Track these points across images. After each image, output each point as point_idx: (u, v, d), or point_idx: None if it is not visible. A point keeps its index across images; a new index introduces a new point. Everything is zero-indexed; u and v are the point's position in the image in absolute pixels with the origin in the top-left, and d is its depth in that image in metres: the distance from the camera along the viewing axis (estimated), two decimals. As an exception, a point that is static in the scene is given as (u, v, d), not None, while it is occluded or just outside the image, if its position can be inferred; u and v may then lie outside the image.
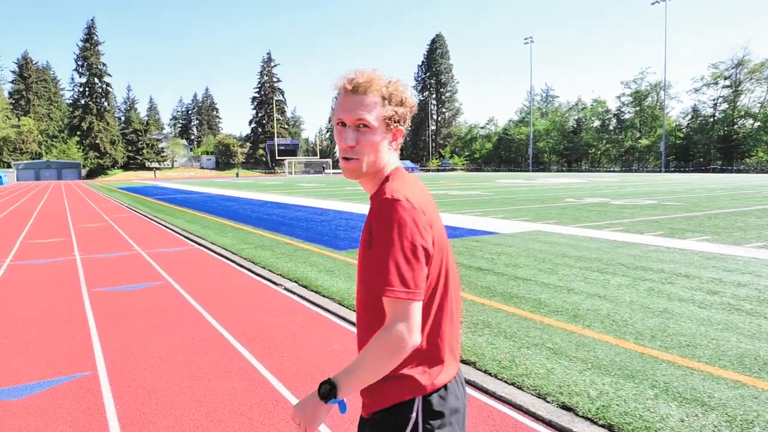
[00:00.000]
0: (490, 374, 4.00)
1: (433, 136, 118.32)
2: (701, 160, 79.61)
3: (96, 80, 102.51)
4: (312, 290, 6.85)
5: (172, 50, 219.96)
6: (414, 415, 1.45)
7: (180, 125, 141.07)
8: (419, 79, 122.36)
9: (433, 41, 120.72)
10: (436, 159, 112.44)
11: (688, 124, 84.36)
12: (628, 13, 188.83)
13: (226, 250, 10.34)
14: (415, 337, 1.35)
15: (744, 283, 6.59)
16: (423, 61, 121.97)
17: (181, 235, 13.08)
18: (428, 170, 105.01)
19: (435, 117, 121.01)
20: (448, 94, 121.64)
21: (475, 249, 9.48)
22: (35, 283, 7.83)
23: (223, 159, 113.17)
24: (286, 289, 7.10)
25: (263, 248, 10.23)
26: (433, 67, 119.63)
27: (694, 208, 16.58)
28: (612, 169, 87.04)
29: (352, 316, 5.61)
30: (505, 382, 3.86)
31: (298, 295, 6.69)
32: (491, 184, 39.33)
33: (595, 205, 18.19)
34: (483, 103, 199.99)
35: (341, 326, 5.37)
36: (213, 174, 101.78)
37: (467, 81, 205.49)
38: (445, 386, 1.49)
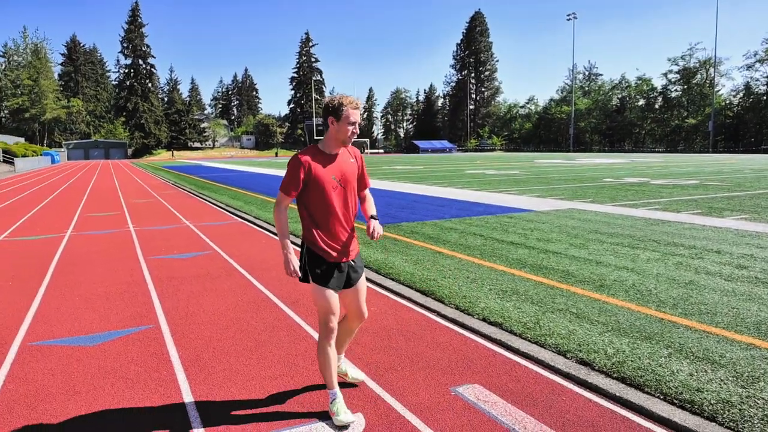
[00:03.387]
0: (515, 334, 4.31)
1: (472, 116, 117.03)
2: (752, 140, 76.52)
3: (140, 62, 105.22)
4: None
5: (213, 31, 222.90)
6: None
7: (221, 106, 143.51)
8: (458, 57, 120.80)
9: (473, 19, 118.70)
10: (475, 139, 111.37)
11: (739, 102, 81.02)
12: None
13: (269, 223, 10.85)
14: None
15: (775, 259, 6.66)
16: (462, 40, 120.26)
17: (225, 210, 13.70)
18: (466, 150, 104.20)
19: (473, 96, 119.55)
20: (487, 73, 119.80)
21: (509, 225, 9.71)
22: (96, 251, 8.49)
23: (263, 139, 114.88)
24: (325, 259, 7.51)
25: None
26: (472, 46, 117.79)
27: (737, 189, 16.27)
28: (657, 150, 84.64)
29: (387, 282, 5.98)
30: (529, 340, 4.16)
31: (337, 265, 7.09)
32: (529, 164, 39.01)
33: (634, 185, 18.02)
34: (523, 82, 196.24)
35: (376, 291, 5.75)
36: (253, 154, 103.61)
37: (507, 58, 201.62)
38: None
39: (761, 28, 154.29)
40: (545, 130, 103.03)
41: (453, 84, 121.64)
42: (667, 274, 5.98)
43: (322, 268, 3.01)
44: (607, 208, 12.00)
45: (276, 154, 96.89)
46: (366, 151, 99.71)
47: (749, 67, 78.96)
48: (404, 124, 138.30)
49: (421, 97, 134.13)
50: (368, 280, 6.23)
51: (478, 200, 14.08)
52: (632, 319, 4.49)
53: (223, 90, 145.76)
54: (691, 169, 27.88)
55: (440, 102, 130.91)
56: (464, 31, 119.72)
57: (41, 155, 63.61)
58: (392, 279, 6.18)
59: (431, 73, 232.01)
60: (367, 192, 3.36)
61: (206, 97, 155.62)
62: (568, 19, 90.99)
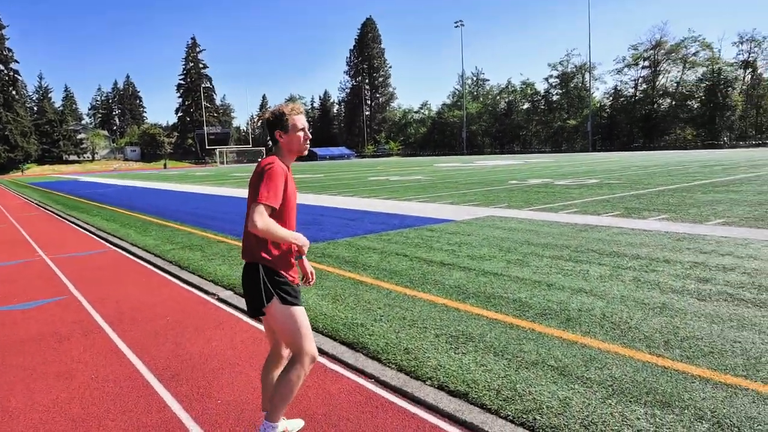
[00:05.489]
0: (489, 410, 3.11)
1: (368, 122, 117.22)
2: (625, 139, 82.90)
3: (1, 67, 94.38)
4: (251, 300, 5.76)
5: (87, 35, 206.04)
6: None
7: (100, 116, 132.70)
8: (351, 63, 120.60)
9: (364, 25, 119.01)
10: (372, 144, 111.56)
11: (612, 104, 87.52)
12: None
13: (149, 252, 9.01)
14: None
15: (729, 266, 6.07)
16: (355, 46, 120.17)
17: (96, 235, 11.52)
18: (364, 156, 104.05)
19: (369, 102, 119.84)
20: (381, 79, 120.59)
21: (432, 239, 8.64)
22: None
23: (149, 150, 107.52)
24: (219, 299, 5.98)
25: (192, 248, 8.97)
26: (365, 52, 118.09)
27: (638, 186, 16.52)
28: (543, 150, 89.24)
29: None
30: (512, 422, 2.98)
31: (236, 307, 5.59)
32: (430, 168, 38.90)
33: (541, 187, 17.85)
34: (416, 87, 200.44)
35: (290, 348, 4.35)
36: (138, 166, 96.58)
37: (400, 65, 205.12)
38: None
39: (629, 36, 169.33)
40: (439, 134, 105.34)
41: (348, 90, 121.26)
42: (632, 296, 5.11)
43: (292, 288, 2.75)
44: (527, 213, 11.35)
45: (165, 165, 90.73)
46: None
47: (619, 71, 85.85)
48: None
49: (317, 104, 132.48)
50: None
51: (390, 210, 12.97)
52: (630, 372, 3.47)
53: (103, 99, 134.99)
54: (584, 168, 28.82)
55: (336, 108, 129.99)
56: (356, 37, 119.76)
57: None
58: (308, 326, 4.79)
59: (325, 80, 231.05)
60: None
61: (83, 107, 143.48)
62: (456, 27, 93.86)
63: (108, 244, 10.24)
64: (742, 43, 75.23)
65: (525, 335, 4.21)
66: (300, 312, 2.73)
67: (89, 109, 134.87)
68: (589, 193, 14.88)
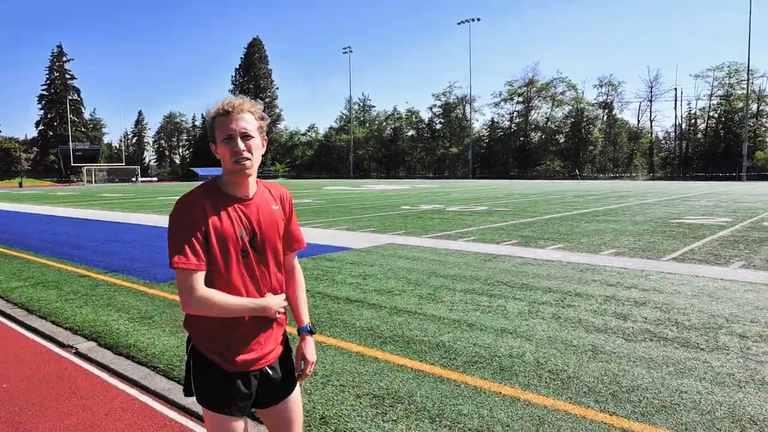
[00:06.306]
0: (439, 507, 2.47)
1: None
2: (501, 167, 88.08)
3: None
4: (121, 353, 4.68)
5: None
6: None
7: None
8: (237, 83, 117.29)
9: (251, 45, 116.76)
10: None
11: (490, 135, 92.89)
12: (439, 29, 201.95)
13: (-12, 290, 7.38)
14: None
15: (639, 300, 6.01)
16: (240, 65, 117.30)
17: None
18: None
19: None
20: (267, 100, 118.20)
21: (333, 271, 7.94)
22: None
23: (2, 166, 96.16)
24: (78, 353, 4.81)
25: (46, 285, 7.49)
26: (252, 71, 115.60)
27: (525, 214, 17.04)
28: (427, 176, 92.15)
29: (188, 402, 3.66)
30: None
31: (99, 365, 4.49)
32: (319, 191, 38.21)
33: (434, 213, 17.85)
34: (304, 110, 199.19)
35: (177, 422, 3.42)
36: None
37: (287, 87, 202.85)
38: None
39: (505, 72, 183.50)
40: (327, 157, 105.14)
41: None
42: (559, 336, 4.78)
43: (217, 382, 1.83)
44: (426, 241, 11.04)
45: (20, 184, 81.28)
46: (138, 180, 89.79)
47: (496, 105, 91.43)
48: (180, 150, 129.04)
49: (198, 122, 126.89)
50: (143, 390, 3.82)
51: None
52: (589, 438, 3.01)
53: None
54: (470, 195, 29.70)
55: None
56: (243, 56, 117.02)
57: None
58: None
59: (207, 98, 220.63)
60: (295, 261, 2.17)
61: None
62: (344, 53, 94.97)
63: (-66, 280, 8.35)
64: (601, 86, 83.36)
65: (459, 392, 3.64)
66: (224, 422, 1.82)
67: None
68: (482, 221, 15.01)
